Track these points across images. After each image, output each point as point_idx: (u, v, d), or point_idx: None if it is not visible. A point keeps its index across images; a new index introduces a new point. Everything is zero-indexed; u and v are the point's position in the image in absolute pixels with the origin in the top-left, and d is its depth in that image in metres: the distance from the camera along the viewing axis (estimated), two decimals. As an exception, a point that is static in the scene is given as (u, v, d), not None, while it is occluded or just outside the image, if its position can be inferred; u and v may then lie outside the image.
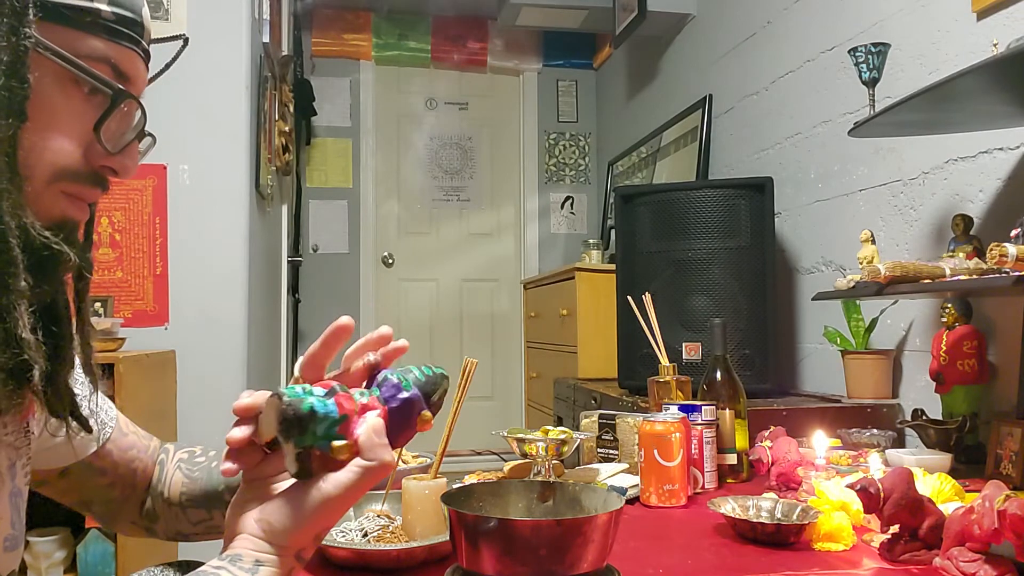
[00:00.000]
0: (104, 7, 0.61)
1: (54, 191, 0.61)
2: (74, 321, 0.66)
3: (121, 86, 0.62)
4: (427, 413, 0.65)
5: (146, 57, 0.66)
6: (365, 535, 0.97)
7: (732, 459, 1.39)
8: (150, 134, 0.68)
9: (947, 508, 0.95)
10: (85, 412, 0.70)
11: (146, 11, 0.66)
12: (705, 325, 1.91)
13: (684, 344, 2.00)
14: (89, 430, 0.71)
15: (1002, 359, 1.55)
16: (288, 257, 3.58)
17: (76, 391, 0.68)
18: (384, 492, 1.07)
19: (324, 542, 0.91)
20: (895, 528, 0.94)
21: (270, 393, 0.61)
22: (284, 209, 3.53)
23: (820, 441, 1.25)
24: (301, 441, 0.58)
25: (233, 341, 2.36)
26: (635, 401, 1.96)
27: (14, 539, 0.67)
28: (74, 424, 0.68)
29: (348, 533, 0.97)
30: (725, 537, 1.03)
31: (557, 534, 0.72)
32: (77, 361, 0.68)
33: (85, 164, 0.62)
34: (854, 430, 1.62)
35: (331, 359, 0.68)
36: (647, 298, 1.52)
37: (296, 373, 0.67)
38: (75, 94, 0.61)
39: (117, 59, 0.62)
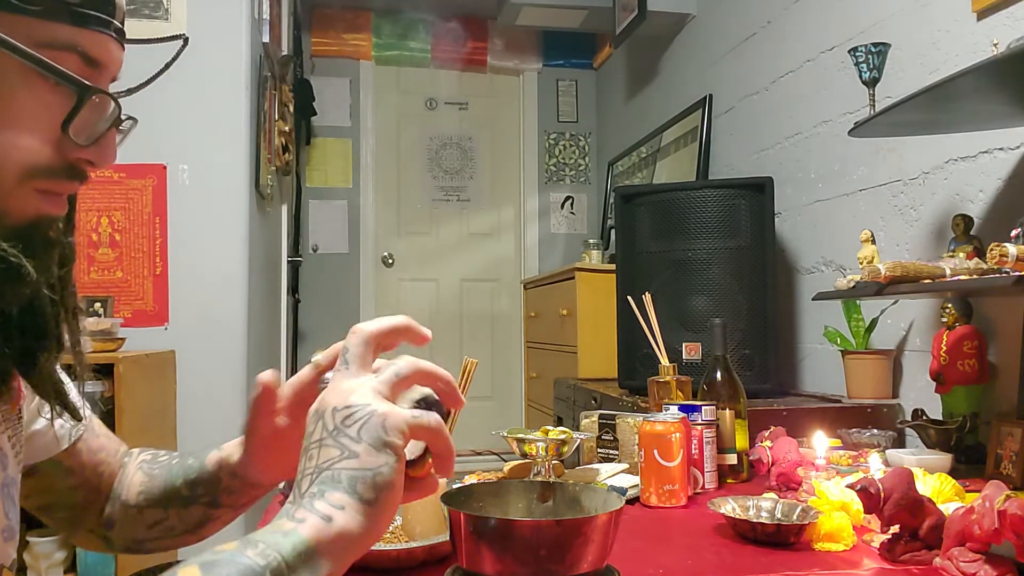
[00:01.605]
0: None
1: (26, 189, 0.58)
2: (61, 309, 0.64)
3: (87, 81, 0.58)
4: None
5: (120, 36, 0.62)
6: (365, 535, 0.97)
7: (732, 459, 1.39)
8: (130, 117, 0.64)
9: (947, 508, 0.95)
10: (76, 401, 0.68)
11: None
12: (705, 325, 1.91)
13: (684, 344, 2.00)
14: (79, 417, 0.69)
15: (1002, 359, 1.55)
16: (288, 257, 3.58)
17: (63, 379, 0.67)
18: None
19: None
20: (895, 528, 0.93)
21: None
22: (284, 209, 3.53)
23: (820, 441, 1.25)
24: None
25: (233, 341, 2.36)
26: (635, 401, 1.96)
27: (10, 529, 0.66)
28: (62, 412, 0.67)
29: (348, 533, 0.97)
30: (725, 537, 1.03)
31: (557, 534, 0.72)
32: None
33: (58, 158, 0.59)
34: (854, 430, 1.62)
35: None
36: (647, 298, 1.52)
37: (319, 360, 0.72)
38: (40, 87, 0.57)
39: (85, 45, 0.58)
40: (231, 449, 0.80)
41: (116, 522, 0.84)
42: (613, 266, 2.24)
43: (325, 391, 0.59)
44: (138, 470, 0.85)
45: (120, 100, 0.62)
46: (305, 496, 0.53)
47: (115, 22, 0.61)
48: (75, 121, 0.58)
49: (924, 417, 1.50)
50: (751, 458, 1.42)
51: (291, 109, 3.35)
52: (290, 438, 0.74)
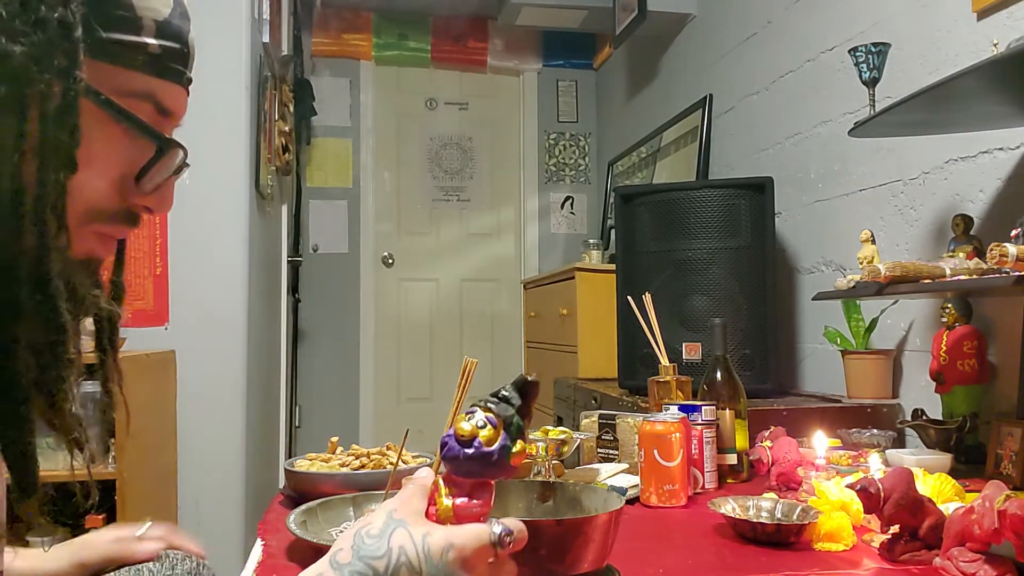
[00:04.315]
0: (152, 41, 0.57)
1: (86, 231, 0.58)
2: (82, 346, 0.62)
3: (163, 132, 0.59)
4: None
5: (189, 85, 0.63)
6: (365, 535, 0.97)
7: (732, 459, 1.39)
8: (187, 164, 0.66)
9: (947, 508, 0.95)
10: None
11: (192, 36, 0.62)
12: (705, 325, 1.91)
13: (684, 344, 2.00)
14: (82, 449, 0.65)
15: (1002, 359, 1.55)
16: (288, 257, 3.58)
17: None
18: (384, 492, 1.07)
19: (323, 541, 0.91)
20: (895, 528, 0.94)
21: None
22: (284, 209, 3.53)
23: (820, 441, 1.25)
24: None
25: (233, 341, 2.36)
26: (635, 401, 1.96)
27: None
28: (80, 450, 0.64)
29: (348, 533, 0.97)
30: (725, 537, 1.03)
31: (557, 534, 0.72)
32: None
33: (120, 203, 0.60)
34: (854, 430, 1.62)
35: None
36: (647, 298, 1.52)
37: None
38: (115, 133, 0.58)
39: (161, 95, 0.60)
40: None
41: None
42: (613, 266, 2.24)
43: (461, 525, 0.60)
44: None
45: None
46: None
47: (188, 73, 0.62)
48: (149, 172, 0.60)
49: (924, 417, 1.50)
50: (751, 458, 1.42)
51: (291, 109, 3.35)
52: None
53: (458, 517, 0.60)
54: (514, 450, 0.62)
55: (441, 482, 0.62)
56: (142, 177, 0.59)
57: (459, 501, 0.61)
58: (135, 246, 2.30)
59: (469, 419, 0.62)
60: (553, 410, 2.91)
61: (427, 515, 0.61)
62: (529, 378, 0.64)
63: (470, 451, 0.61)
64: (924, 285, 1.32)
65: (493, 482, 0.63)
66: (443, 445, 0.63)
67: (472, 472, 0.62)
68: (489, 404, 0.63)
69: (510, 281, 4.44)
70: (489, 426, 0.62)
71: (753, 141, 2.59)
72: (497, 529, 0.59)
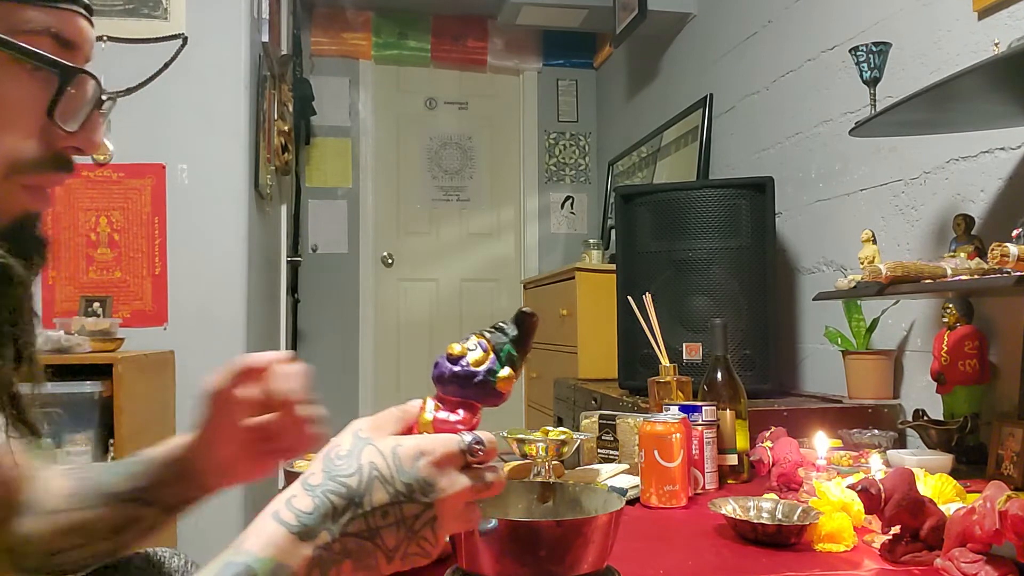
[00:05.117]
0: None
1: (12, 186, 0.56)
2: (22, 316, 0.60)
3: (67, 62, 0.56)
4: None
5: (88, 12, 0.59)
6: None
7: (733, 460, 1.39)
8: (111, 96, 0.61)
9: (948, 509, 0.95)
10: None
11: None
12: (705, 325, 1.90)
13: (684, 344, 2.00)
14: (38, 433, 0.64)
15: (1003, 359, 1.55)
16: (287, 257, 3.58)
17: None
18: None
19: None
20: (896, 529, 0.93)
21: None
22: (283, 209, 3.53)
23: (821, 442, 1.25)
24: None
25: (232, 341, 2.36)
26: (635, 401, 1.95)
27: None
28: (17, 426, 0.62)
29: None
30: (726, 538, 1.03)
31: (557, 535, 0.72)
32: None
33: (44, 150, 0.56)
34: (855, 430, 1.62)
35: None
36: (647, 298, 1.52)
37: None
38: (17, 76, 0.54)
39: (57, 26, 0.56)
40: (178, 441, 0.76)
41: (32, 536, 0.75)
42: (613, 266, 2.23)
43: (433, 448, 0.58)
44: (62, 476, 0.78)
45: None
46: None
47: None
48: (60, 105, 0.56)
49: (925, 417, 1.50)
50: (752, 459, 1.41)
51: (290, 108, 3.35)
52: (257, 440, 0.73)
53: (437, 430, 0.60)
54: (501, 375, 0.62)
55: (429, 400, 0.62)
56: (52, 112, 0.55)
57: (440, 415, 0.61)
58: (133, 246, 2.30)
59: (462, 342, 0.63)
60: (553, 410, 2.91)
61: (410, 430, 0.61)
62: (525, 310, 0.64)
63: (456, 368, 0.61)
64: (925, 285, 1.32)
65: (480, 406, 0.63)
66: (435, 365, 0.63)
67: (457, 391, 0.62)
68: (484, 332, 0.64)
69: (510, 281, 4.44)
70: (480, 350, 0.62)
71: (754, 141, 2.59)
72: (467, 438, 0.59)
